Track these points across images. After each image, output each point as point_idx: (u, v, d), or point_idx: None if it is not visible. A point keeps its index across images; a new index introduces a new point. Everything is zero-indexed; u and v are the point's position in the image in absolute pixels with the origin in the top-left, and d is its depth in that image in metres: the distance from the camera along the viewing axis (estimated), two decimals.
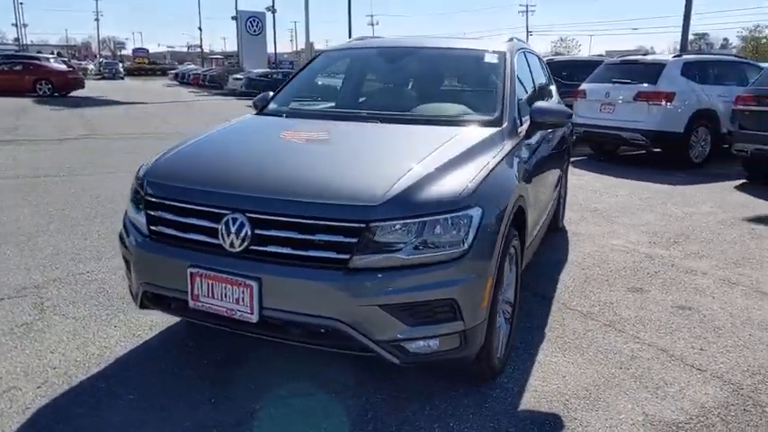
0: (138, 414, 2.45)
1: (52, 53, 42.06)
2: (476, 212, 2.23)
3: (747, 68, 9.65)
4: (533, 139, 3.26)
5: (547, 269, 4.29)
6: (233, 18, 47.55)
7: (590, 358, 2.97)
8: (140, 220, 2.52)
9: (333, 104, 3.56)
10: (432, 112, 3.24)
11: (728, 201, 6.70)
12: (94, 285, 3.83)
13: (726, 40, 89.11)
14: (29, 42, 75.73)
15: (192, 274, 2.26)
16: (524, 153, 3.06)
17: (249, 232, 2.19)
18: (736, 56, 13.74)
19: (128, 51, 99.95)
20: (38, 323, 3.27)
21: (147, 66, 66.78)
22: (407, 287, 2.13)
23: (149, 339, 3.13)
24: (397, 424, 2.40)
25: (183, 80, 39.59)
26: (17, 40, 72.05)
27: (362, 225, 2.11)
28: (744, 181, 7.85)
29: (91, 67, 59.10)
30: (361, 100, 3.48)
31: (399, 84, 3.61)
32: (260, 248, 2.20)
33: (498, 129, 2.94)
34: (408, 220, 2.13)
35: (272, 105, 3.64)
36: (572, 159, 6.59)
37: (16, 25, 71.02)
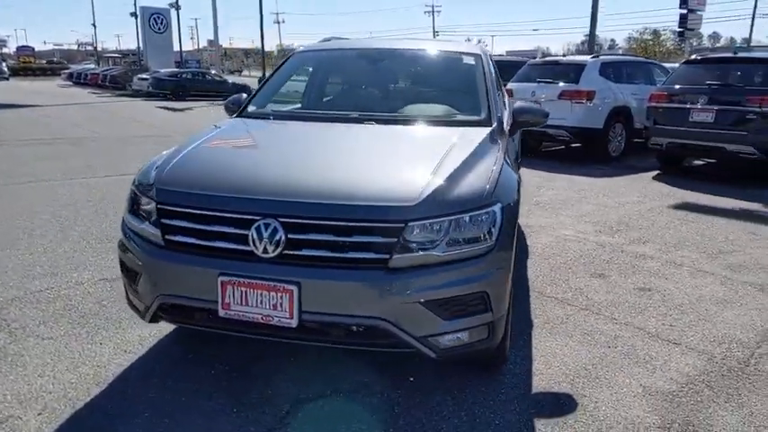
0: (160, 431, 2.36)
1: None
2: (498, 208, 2.35)
3: (653, 68, 10.58)
4: (515, 137, 3.45)
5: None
6: (132, 15, 45.02)
7: (579, 340, 3.20)
8: (150, 230, 2.42)
9: (319, 106, 3.55)
10: (423, 113, 3.33)
11: (651, 190, 7.35)
12: (60, 303, 3.58)
13: (613, 41, 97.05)
14: None
15: (223, 282, 2.21)
16: (511, 150, 3.24)
17: (283, 237, 2.18)
18: (642, 56, 14.96)
19: (9, 50, 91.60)
20: (11, 347, 3.02)
21: (34, 65, 61.63)
22: (444, 283, 2.21)
23: (144, 354, 2.99)
24: (425, 415, 2.48)
25: (80, 80, 36.98)
26: None
27: (401, 225, 2.16)
28: (658, 172, 8.62)
29: None
30: (347, 102, 3.50)
31: (384, 85, 3.67)
32: (295, 253, 2.19)
33: (490, 128, 3.09)
34: (442, 218, 2.22)
35: (251, 108, 3.58)
36: None
37: None
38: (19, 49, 74.41)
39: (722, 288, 4.00)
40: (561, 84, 9.40)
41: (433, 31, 72.93)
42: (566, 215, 6.02)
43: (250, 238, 2.21)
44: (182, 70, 28.41)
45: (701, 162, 9.57)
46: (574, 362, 2.96)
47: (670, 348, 3.12)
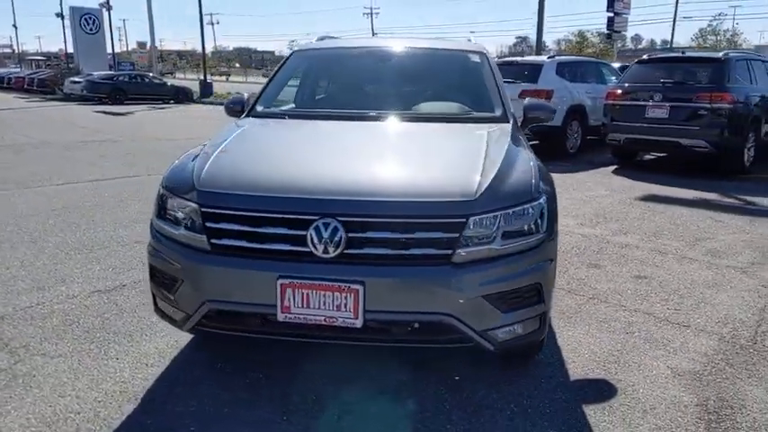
0: None
1: None
2: (544, 200, 2.40)
3: (603, 68, 11.08)
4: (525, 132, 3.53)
5: None
6: (58, 15, 42.70)
7: (598, 328, 3.30)
8: (191, 235, 2.31)
9: (333, 105, 3.48)
10: (440, 111, 3.35)
11: (615, 184, 7.69)
12: (57, 318, 3.36)
13: (543, 42, 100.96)
14: None
15: (282, 285, 2.14)
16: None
17: (344, 237, 2.14)
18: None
19: None
20: (18, 367, 2.81)
21: None
22: (504, 276, 2.24)
23: (168, 366, 2.85)
24: (477, 409, 2.49)
25: (2, 84, 34.70)
26: None
27: (463, 220, 2.17)
28: (616, 167, 9.03)
29: None
30: (361, 100, 3.46)
31: (396, 84, 3.64)
32: (357, 252, 2.16)
33: (509, 124, 3.15)
34: (498, 212, 2.24)
35: (260, 108, 3.47)
36: None
37: None
38: None
39: (709, 273, 4.24)
40: (521, 83, 9.67)
41: (372, 33, 73.24)
42: None
43: (308, 238, 2.15)
44: (118, 73, 27.14)
45: (651, 156, 10.09)
46: (600, 349, 3.05)
47: (682, 331, 3.27)
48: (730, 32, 28.65)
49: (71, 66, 36.21)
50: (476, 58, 3.73)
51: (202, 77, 29.26)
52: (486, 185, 2.27)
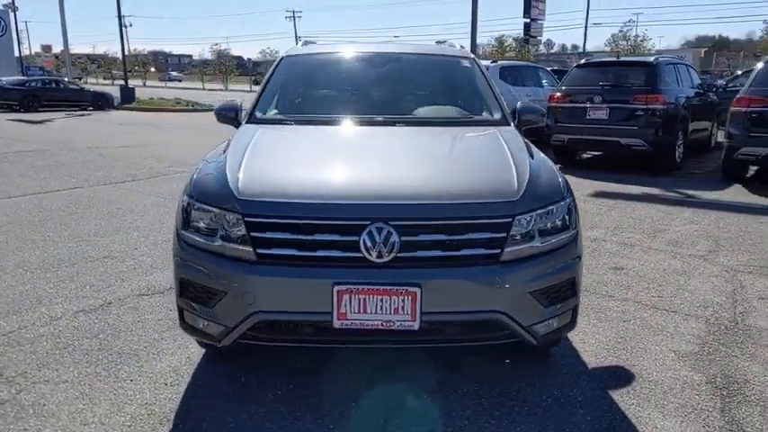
0: None
1: None
2: (571, 199, 2.53)
3: (540, 72, 11.62)
4: None
5: None
6: None
7: (597, 317, 3.49)
8: (232, 245, 2.24)
9: (334, 110, 3.45)
10: (444, 115, 3.42)
11: None
12: (47, 342, 3.13)
13: (462, 46, 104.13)
14: None
15: (339, 291, 2.12)
16: None
17: (397, 241, 2.15)
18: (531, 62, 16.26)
19: None
20: (23, 397, 2.60)
21: None
22: (546, 272, 2.33)
23: (190, 384, 2.74)
24: (516, 403, 2.57)
25: None
26: None
27: (509, 219, 2.25)
28: (560, 165, 9.47)
29: None
30: (364, 105, 3.45)
31: (394, 88, 3.66)
32: (410, 255, 2.18)
33: (512, 127, 3.27)
34: (537, 211, 2.33)
35: (259, 114, 3.39)
36: None
37: None
38: None
39: (676, 262, 4.57)
40: None
41: (296, 37, 72.58)
42: None
43: (361, 243, 2.15)
44: (30, 78, 25.29)
45: (588, 155, 10.68)
46: (604, 337, 3.23)
47: (671, 316, 3.52)
48: (640, 38, 30.82)
49: None
50: (467, 63, 3.84)
51: (123, 82, 27.86)
52: (524, 186, 2.36)
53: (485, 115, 3.43)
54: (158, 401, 2.59)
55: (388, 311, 2.15)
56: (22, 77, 25.54)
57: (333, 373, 2.81)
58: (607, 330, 3.32)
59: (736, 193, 7.19)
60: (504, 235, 2.24)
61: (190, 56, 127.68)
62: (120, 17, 26.36)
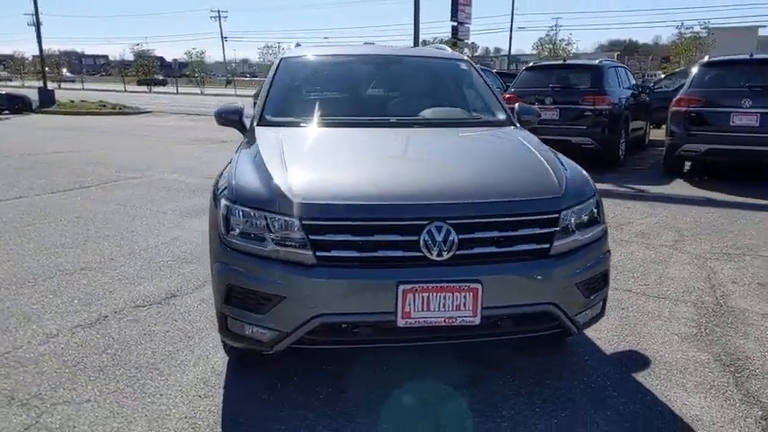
0: None
1: None
2: (598, 195, 2.67)
3: (486, 74, 11.94)
4: None
5: None
6: None
7: None
8: (289, 249, 2.21)
9: (342, 112, 3.43)
10: (453, 116, 3.50)
11: None
12: (53, 361, 2.95)
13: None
14: None
15: (404, 291, 2.14)
16: None
17: (456, 239, 2.20)
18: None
19: None
20: (47, 420, 2.45)
21: None
22: (588, 264, 2.46)
23: (225, 394, 2.67)
24: (552, 392, 2.68)
25: None
26: None
27: (556, 215, 2.35)
28: None
29: None
30: (372, 107, 3.45)
31: (399, 90, 3.69)
32: (468, 252, 2.23)
33: (516, 127, 3.40)
34: (578, 206, 2.46)
35: (268, 116, 3.33)
36: None
37: None
38: None
39: (650, 252, 4.89)
40: None
41: (221, 37, 70.78)
42: None
43: (422, 242, 2.19)
44: None
45: None
46: (610, 324, 3.41)
47: (663, 302, 3.77)
48: (565, 41, 32.39)
49: None
50: (464, 66, 3.94)
51: (42, 84, 26.13)
52: (564, 182, 2.48)
53: (491, 116, 3.54)
54: (198, 414, 2.50)
55: (451, 308, 2.19)
56: None
57: (365, 375, 2.81)
58: (611, 318, 3.51)
59: (680, 187, 7.75)
60: (552, 230, 2.34)
61: (106, 56, 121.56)
62: (36, 14, 24.71)
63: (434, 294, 2.17)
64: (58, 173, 8.66)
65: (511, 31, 46.06)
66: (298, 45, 4.26)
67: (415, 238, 2.19)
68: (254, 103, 4.11)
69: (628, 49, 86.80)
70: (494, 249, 2.27)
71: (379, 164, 2.63)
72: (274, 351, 2.35)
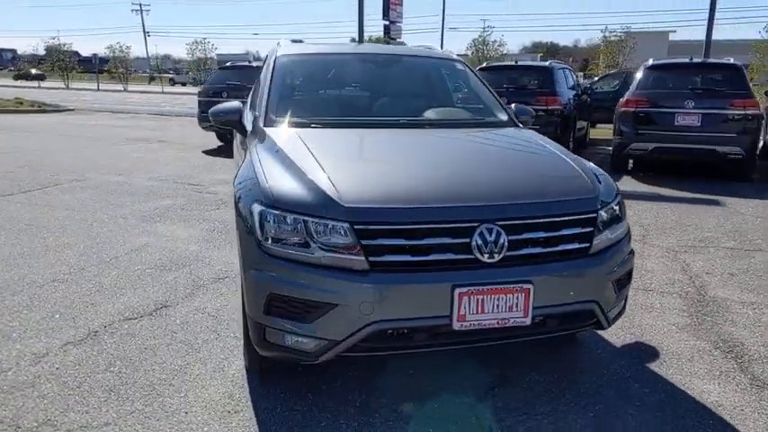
0: None
1: None
2: (620, 195, 2.77)
3: None
4: None
5: None
6: None
7: None
8: (338, 255, 2.14)
9: (348, 112, 3.35)
10: (461, 117, 3.51)
11: None
12: (51, 383, 2.72)
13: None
14: None
15: (460, 293, 2.13)
16: None
17: (506, 240, 2.21)
18: None
19: None
20: None
21: None
22: (621, 261, 2.54)
23: (257, 408, 2.55)
24: (581, 387, 2.75)
25: None
26: None
27: (595, 214, 2.41)
28: None
29: None
30: (377, 107, 3.39)
31: (402, 90, 3.64)
32: (516, 253, 2.25)
33: (527, 129, 3.46)
34: (609, 205, 2.53)
35: (273, 116, 3.20)
36: None
37: None
38: None
39: None
40: None
41: (143, 32, 67.66)
42: None
43: (473, 244, 2.18)
44: None
45: None
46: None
47: (652, 295, 3.96)
48: (497, 43, 33.36)
49: None
50: (460, 66, 3.96)
51: None
52: (595, 183, 2.55)
53: (494, 116, 3.58)
54: (234, 431, 2.37)
55: (504, 309, 2.20)
56: None
57: (394, 379, 2.77)
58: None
59: (630, 183, 8.16)
60: (592, 229, 2.40)
61: (14, 50, 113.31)
62: None
63: (489, 296, 2.17)
64: (20, 175, 7.98)
65: (442, 31, 46.95)
66: (294, 41, 4.13)
67: (466, 240, 2.18)
68: (249, 103, 3.96)
69: (550, 51, 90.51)
70: (540, 250, 2.30)
71: (417, 166, 2.60)
72: (320, 361, 2.26)
